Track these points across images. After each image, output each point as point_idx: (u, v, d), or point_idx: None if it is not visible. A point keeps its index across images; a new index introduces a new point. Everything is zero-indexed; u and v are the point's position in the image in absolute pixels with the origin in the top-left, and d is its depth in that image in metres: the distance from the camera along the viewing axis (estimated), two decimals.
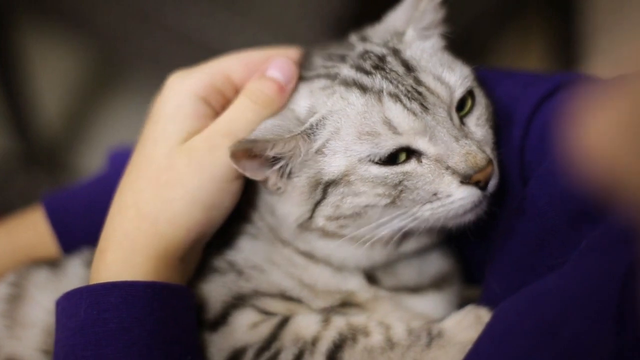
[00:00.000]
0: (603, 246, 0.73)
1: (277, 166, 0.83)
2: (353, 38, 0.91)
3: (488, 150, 0.84)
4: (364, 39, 0.90)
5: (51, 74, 2.18)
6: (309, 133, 0.83)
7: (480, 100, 0.87)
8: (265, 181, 0.85)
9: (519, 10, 2.17)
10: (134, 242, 0.82)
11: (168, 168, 0.83)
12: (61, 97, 2.19)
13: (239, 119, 0.84)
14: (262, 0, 1.94)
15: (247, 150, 0.81)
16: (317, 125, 0.83)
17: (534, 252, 0.83)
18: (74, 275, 0.94)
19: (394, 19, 0.92)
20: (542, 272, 0.79)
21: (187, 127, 0.84)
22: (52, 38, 2.21)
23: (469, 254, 0.96)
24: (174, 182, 0.83)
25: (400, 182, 0.81)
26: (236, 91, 0.89)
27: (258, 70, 0.87)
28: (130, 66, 2.23)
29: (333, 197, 0.83)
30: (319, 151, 0.83)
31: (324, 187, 0.83)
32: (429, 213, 0.82)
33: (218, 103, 0.87)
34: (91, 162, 2.05)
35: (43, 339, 0.90)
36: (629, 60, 0.50)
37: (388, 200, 0.82)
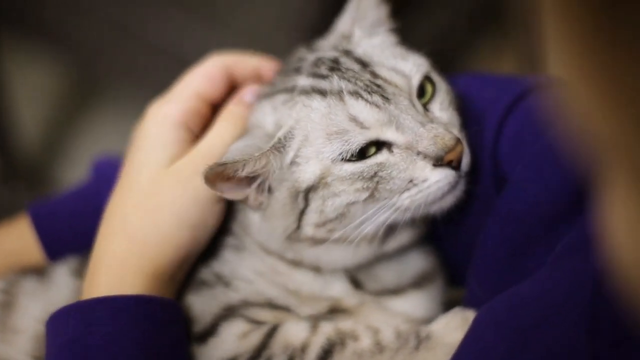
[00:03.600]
0: (577, 249, 0.74)
1: (255, 184, 0.85)
2: (302, 51, 0.92)
3: (455, 130, 0.85)
4: (313, 50, 0.91)
5: (30, 88, 2.17)
6: (279, 147, 0.83)
7: (441, 85, 0.88)
8: (246, 200, 0.86)
9: (494, 15, 2.19)
10: (124, 265, 0.84)
11: (154, 193, 0.85)
12: (40, 111, 2.18)
13: (219, 143, 0.86)
14: (240, 13, 1.95)
15: (219, 174, 0.82)
16: (285, 138, 0.84)
17: (513, 255, 0.83)
18: (61, 283, 0.94)
19: (342, 24, 0.93)
20: (522, 274, 0.80)
21: (169, 154, 0.87)
22: (30, 52, 2.20)
23: (451, 257, 0.97)
24: (160, 206, 0.85)
25: (375, 173, 0.82)
26: (209, 106, 0.92)
27: (237, 95, 0.91)
28: (109, 80, 2.22)
29: (315, 203, 0.83)
30: (292, 162, 0.84)
31: (305, 195, 0.83)
32: (409, 201, 0.83)
33: (196, 125, 0.91)
34: (70, 176, 2.03)
35: (33, 345, 0.90)
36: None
37: (367, 194, 0.82)
